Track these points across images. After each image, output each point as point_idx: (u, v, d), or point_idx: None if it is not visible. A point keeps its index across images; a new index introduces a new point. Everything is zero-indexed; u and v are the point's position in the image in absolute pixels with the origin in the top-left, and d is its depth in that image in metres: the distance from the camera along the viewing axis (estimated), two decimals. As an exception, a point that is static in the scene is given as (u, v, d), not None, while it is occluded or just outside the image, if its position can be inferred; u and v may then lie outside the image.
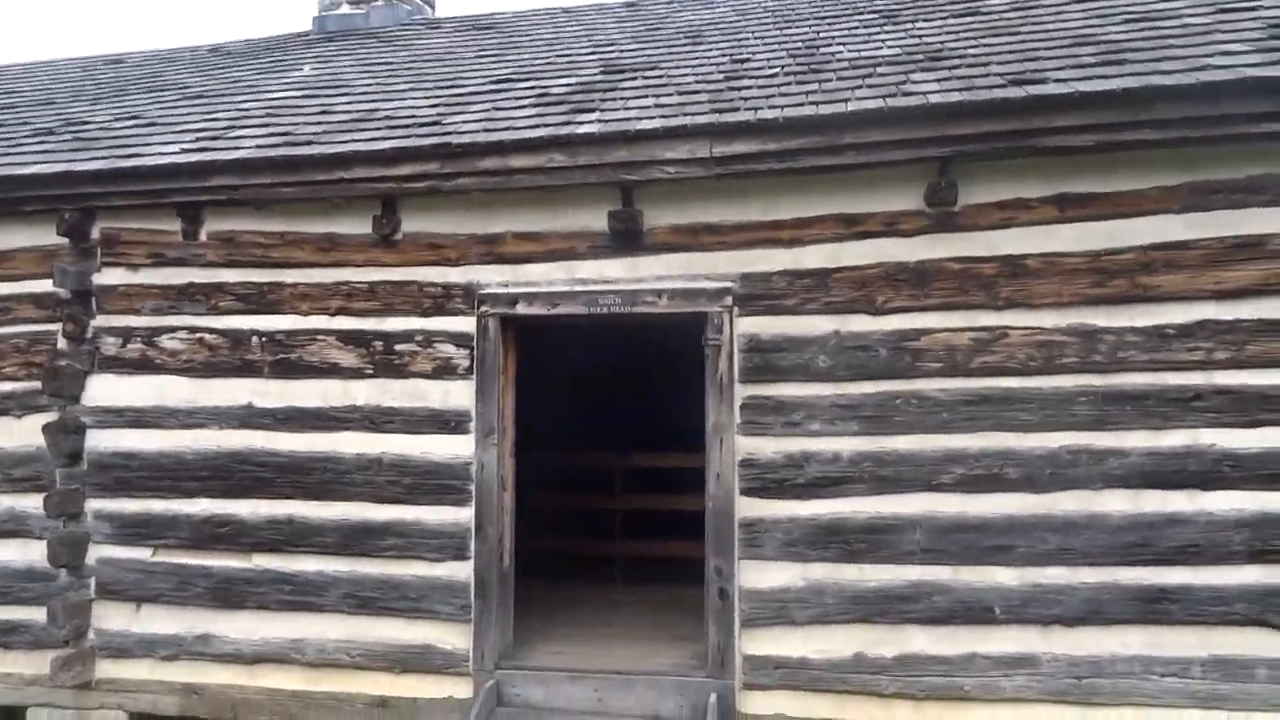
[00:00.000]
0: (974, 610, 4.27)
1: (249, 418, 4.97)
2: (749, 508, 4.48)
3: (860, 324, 4.42)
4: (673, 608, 5.89)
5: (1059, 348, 4.25)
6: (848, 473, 4.40)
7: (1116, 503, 4.19)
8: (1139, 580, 4.15)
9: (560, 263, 4.70)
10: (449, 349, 4.79)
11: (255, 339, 4.99)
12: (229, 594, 4.96)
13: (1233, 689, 4.07)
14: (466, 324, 4.77)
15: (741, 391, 4.51)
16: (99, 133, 5.55)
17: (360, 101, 5.47)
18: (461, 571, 4.73)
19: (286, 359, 4.95)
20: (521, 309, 4.70)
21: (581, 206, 4.65)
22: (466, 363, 4.76)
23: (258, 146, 4.92)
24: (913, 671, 4.30)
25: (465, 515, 4.73)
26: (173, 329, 5.08)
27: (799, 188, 4.44)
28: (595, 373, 8.31)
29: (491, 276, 4.76)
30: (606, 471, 6.92)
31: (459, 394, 4.77)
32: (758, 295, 4.51)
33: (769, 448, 4.48)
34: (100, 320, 5.15)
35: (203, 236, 5.06)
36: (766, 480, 4.47)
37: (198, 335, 5.05)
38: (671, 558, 6.57)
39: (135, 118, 5.82)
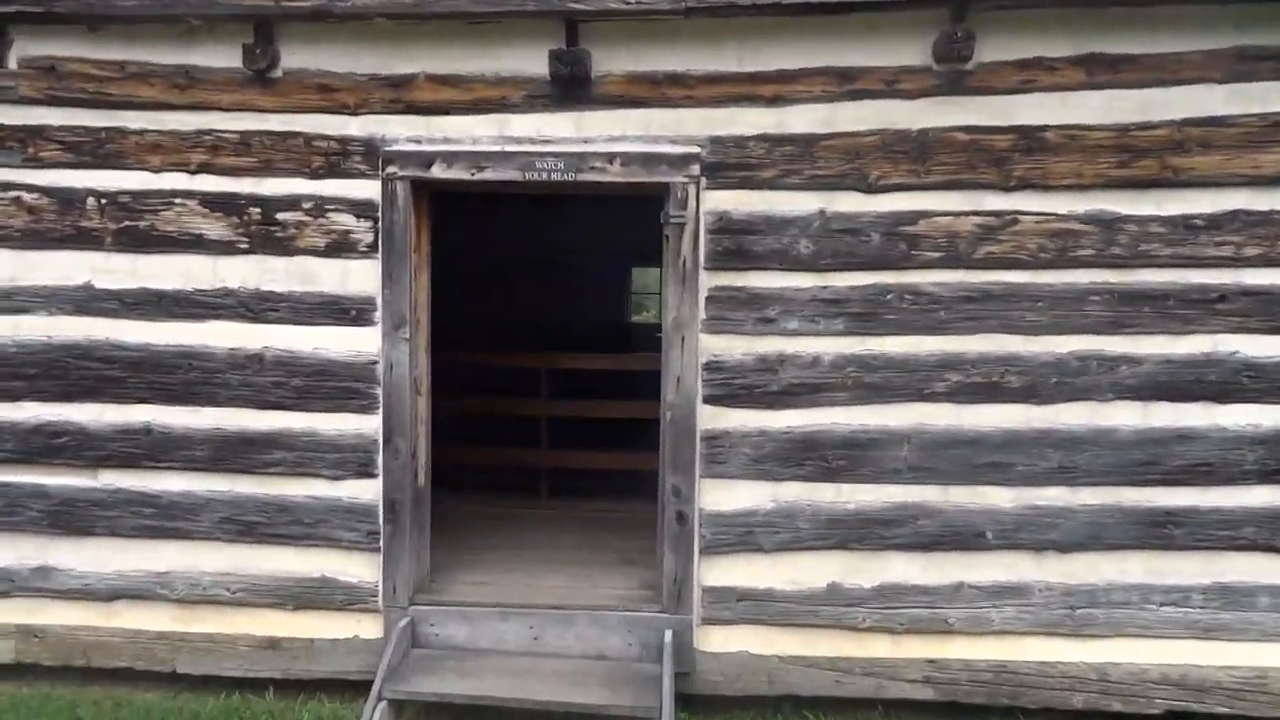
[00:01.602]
0: (963, 535, 3.80)
1: (88, 301, 3.95)
2: (713, 418, 3.82)
3: (850, 203, 3.74)
4: (606, 527, 5.31)
5: (1074, 237, 3.69)
6: (829, 379, 3.78)
7: (1126, 416, 3.73)
8: (1144, 502, 3.76)
9: (488, 115, 3.78)
10: (347, 220, 3.85)
11: (92, 200, 3.92)
12: (73, 518, 4.03)
13: (1234, 618, 3.76)
14: (369, 189, 3.83)
15: (708, 281, 3.79)
16: None
17: (226, -100, 4.27)
18: (367, 491, 3.94)
19: (135, 227, 3.92)
20: (439, 172, 3.78)
21: (516, 43, 3.72)
22: (370, 238, 3.85)
23: (85, -55, 3.74)
24: (893, 603, 3.82)
25: (371, 424, 3.91)
26: (-21, 187, 3.96)
27: (786, 32, 3.65)
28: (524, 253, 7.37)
29: (400, 130, 3.81)
30: (530, 373, 6.14)
31: (360, 276, 3.87)
32: (730, 164, 3.74)
33: (738, 348, 3.80)
34: (-122, 173, 3.97)
35: (12, 63, 3.88)
36: (734, 386, 3.80)
37: (13, 194, 3.93)
38: (601, 470, 5.98)
39: (-80, -92, 4.44)
